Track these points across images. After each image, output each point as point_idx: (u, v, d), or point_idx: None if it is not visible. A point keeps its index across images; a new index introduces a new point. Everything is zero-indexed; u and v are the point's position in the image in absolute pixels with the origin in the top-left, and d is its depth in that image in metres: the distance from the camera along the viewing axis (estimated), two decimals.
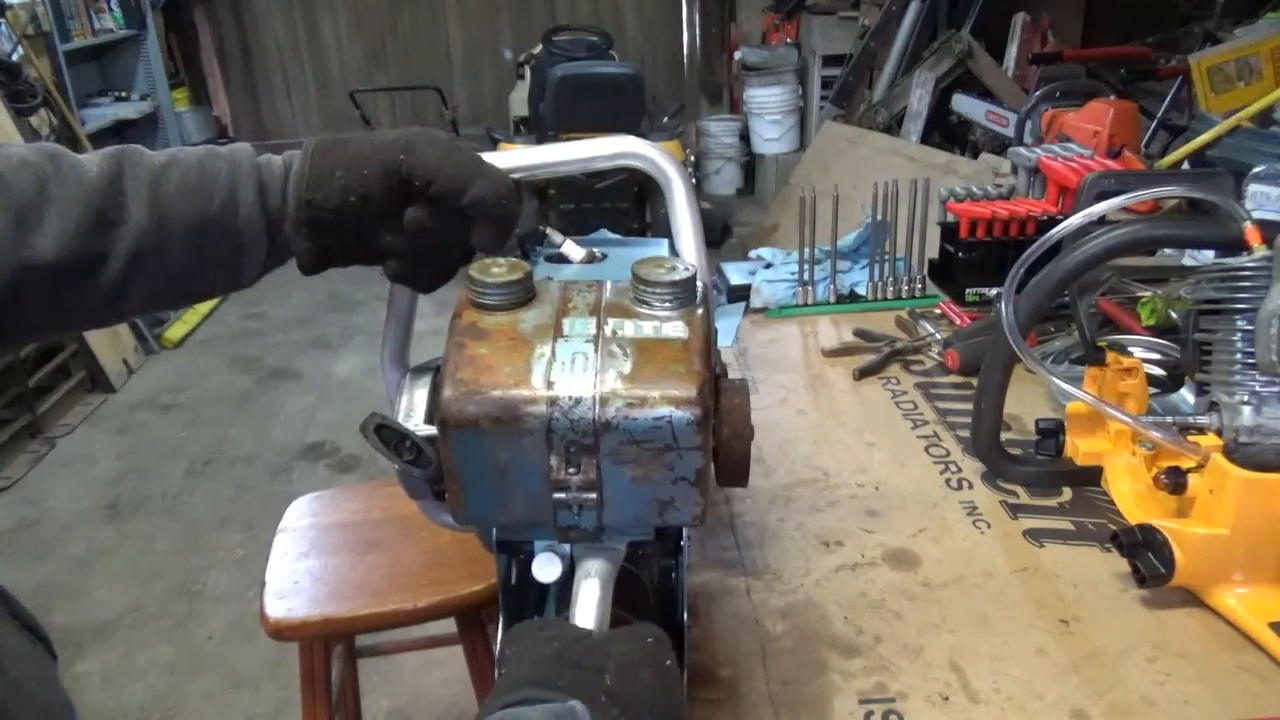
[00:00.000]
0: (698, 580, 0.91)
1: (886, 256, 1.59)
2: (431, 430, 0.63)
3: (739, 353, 1.44)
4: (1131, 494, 0.96)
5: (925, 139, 4.24)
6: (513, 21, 6.75)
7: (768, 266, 1.71)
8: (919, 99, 4.26)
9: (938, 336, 1.41)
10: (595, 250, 0.79)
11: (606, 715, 0.50)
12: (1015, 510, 1.01)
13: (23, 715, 0.61)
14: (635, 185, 4.73)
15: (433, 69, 6.66)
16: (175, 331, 4.44)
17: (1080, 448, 1.02)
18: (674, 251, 0.74)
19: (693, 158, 5.67)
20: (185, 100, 6.08)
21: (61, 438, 3.61)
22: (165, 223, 0.64)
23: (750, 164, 6.13)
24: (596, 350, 0.61)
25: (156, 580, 2.73)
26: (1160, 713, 0.74)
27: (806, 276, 1.57)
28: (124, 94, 5.26)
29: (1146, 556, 0.84)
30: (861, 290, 1.60)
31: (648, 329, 0.62)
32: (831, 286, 1.59)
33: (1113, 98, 2.41)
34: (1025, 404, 1.20)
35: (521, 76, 5.45)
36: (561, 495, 0.61)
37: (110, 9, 5.11)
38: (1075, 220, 0.92)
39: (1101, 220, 0.92)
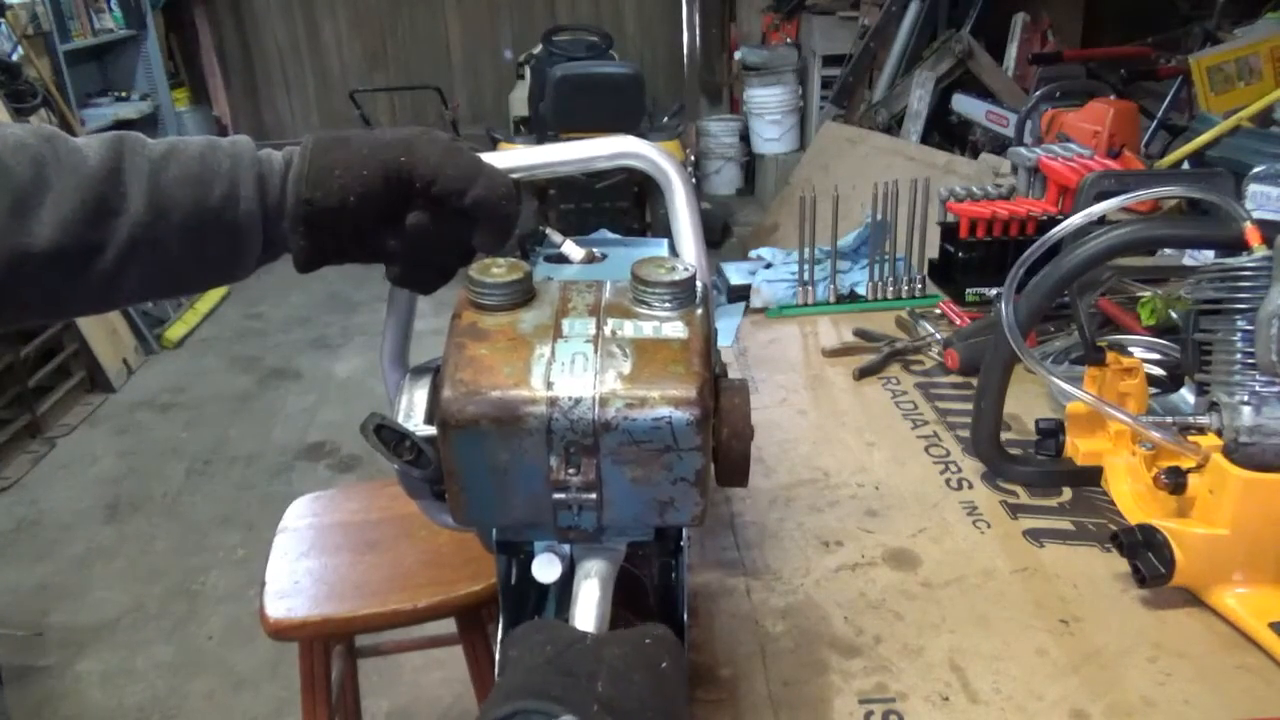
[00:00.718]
0: (698, 580, 0.91)
1: (886, 256, 1.59)
2: (431, 431, 0.63)
3: (739, 353, 1.44)
4: (1131, 494, 0.96)
5: (925, 139, 4.24)
6: (513, 21, 6.75)
7: (768, 266, 1.71)
8: (919, 99, 4.26)
9: (938, 336, 1.41)
10: (595, 250, 0.79)
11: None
12: (1015, 510, 1.01)
13: None
14: (635, 185, 4.73)
15: (433, 69, 6.66)
16: (175, 331, 4.44)
17: (1080, 448, 1.02)
18: (674, 251, 0.74)
19: (693, 158, 5.67)
20: (185, 100, 6.08)
21: (61, 438, 3.61)
22: (164, 213, 0.63)
23: (750, 164, 6.13)
24: (596, 351, 0.61)
25: (156, 580, 2.73)
26: (1160, 713, 0.74)
27: (806, 276, 1.57)
28: (124, 94, 5.26)
29: (1146, 556, 0.84)
30: (861, 290, 1.60)
31: (647, 329, 0.62)
32: (831, 286, 1.59)
33: (1113, 98, 2.41)
34: (1025, 404, 1.20)
35: (521, 76, 5.46)
36: (561, 496, 0.61)
37: (110, 9, 5.11)
38: (1075, 220, 0.91)
39: (1101, 220, 0.92)
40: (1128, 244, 0.92)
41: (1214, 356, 0.88)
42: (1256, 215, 0.86)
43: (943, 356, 1.36)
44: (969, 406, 1.10)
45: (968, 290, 1.52)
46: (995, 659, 0.80)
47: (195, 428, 3.65)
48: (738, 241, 5.04)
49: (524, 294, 0.65)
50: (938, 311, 1.51)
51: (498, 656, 0.69)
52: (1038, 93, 2.76)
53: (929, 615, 0.86)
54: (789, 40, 5.84)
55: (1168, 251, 1.53)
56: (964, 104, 4.04)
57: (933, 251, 1.63)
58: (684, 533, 0.68)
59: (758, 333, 1.51)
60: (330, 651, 1.53)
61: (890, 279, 1.59)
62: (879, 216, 1.57)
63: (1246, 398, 0.84)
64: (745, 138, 6.05)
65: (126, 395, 3.96)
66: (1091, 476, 1.02)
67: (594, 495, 0.61)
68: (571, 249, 0.77)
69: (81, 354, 3.90)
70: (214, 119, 6.38)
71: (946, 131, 4.38)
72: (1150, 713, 0.74)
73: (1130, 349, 1.20)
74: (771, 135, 5.79)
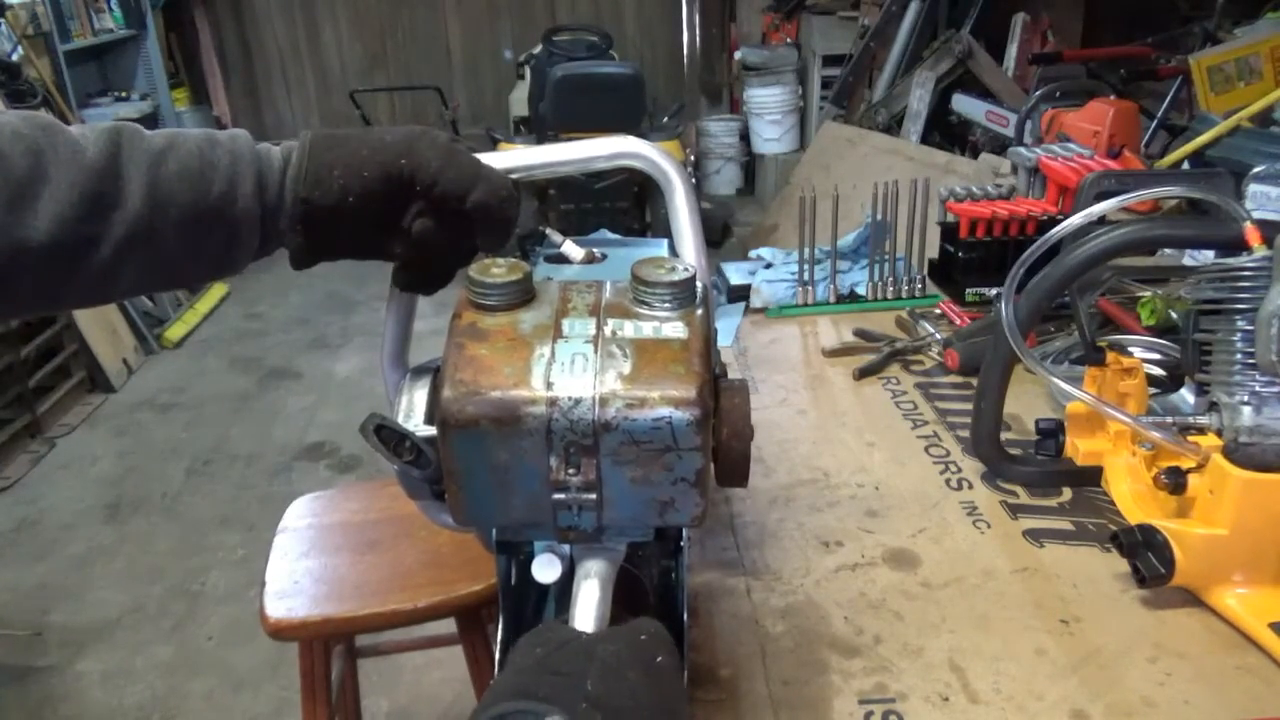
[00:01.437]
0: (698, 580, 0.91)
1: (886, 256, 1.59)
2: (431, 431, 0.63)
3: (739, 353, 1.44)
4: (1131, 494, 0.96)
5: (925, 139, 4.24)
6: (513, 21, 6.75)
7: (768, 266, 1.71)
8: (919, 99, 4.26)
9: (938, 336, 1.41)
10: (595, 250, 0.79)
11: None
12: (1015, 510, 1.01)
13: None
14: (635, 185, 4.72)
15: (433, 69, 6.66)
16: (175, 331, 4.44)
17: (1080, 448, 1.02)
18: (674, 252, 0.74)
19: (693, 158, 5.67)
20: (185, 100, 6.08)
21: (61, 438, 3.61)
22: (162, 208, 0.62)
23: (750, 164, 6.13)
24: (596, 351, 0.61)
25: (156, 580, 2.73)
26: (1160, 713, 0.74)
27: (806, 276, 1.57)
28: (124, 94, 5.26)
29: (1146, 557, 0.84)
30: (861, 290, 1.60)
31: (647, 329, 0.62)
32: (831, 286, 1.59)
33: (1113, 98, 2.41)
34: (1025, 404, 1.20)
35: (521, 76, 5.46)
36: (561, 496, 0.61)
37: (110, 9, 5.11)
38: (1075, 220, 0.91)
39: (1101, 220, 0.92)
40: (1128, 244, 0.92)
41: (1214, 356, 0.88)
42: (1256, 215, 0.86)
43: (943, 356, 1.36)
44: (969, 406, 1.10)
45: (968, 290, 1.52)
46: (995, 659, 0.80)
47: (195, 428, 3.65)
48: (738, 241, 5.04)
49: (524, 294, 0.65)
50: (938, 311, 1.51)
51: (498, 660, 0.69)
52: (1038, 93, 2.77)
53: (929, 615, 0.86)
54: (789, 40, 5.84)
55: (1168, 251, 1.53)
56: (964, 104, 4.04)
57: (933, 251, 1.63)
58: (684, 533, 0.68)
59: (758, 333, 1.51)
60: (330, 651, 1.53)
61: (890, 279, 1.59)
62: (879, 216, 1.57)
63: (1246, 398, 0.84)
64: (745, 138, 6.05)
65: (126, 395, 3.96)
66: (1091, 476, 1.02)
67: (594, 495, 0.61)
68: (571, 249, 0.76)
69: (81, 354, 3.90)
70: (214, 119, 6.37)
71: (946, 131, 4.38)
72: (1150, 713, 0.74)
73: (1130, 349, 1.20)
74: (771, 135, 5.79)
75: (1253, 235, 0.84)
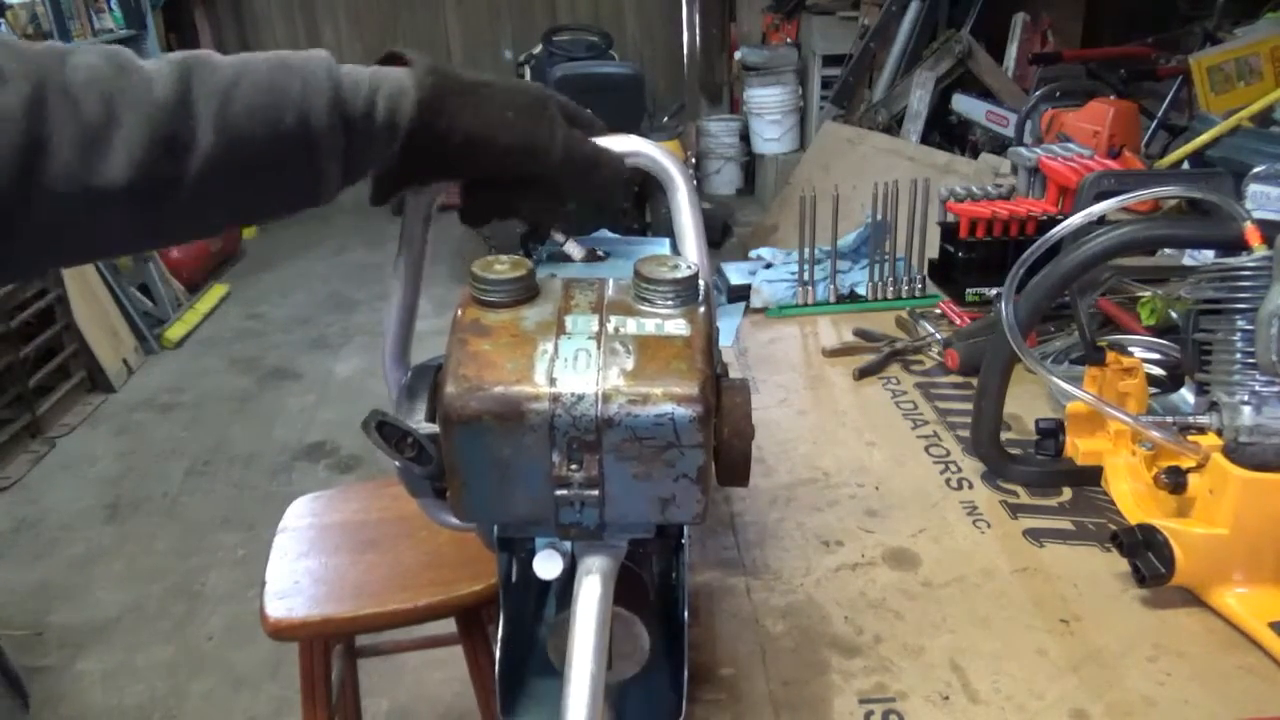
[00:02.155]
0: (698, 580, 0.91)
1: (886, 256, 1.59)
2: (433, 428, 0.63)
3: (739, 353, 1.44)
4: (1131, 494, 0.97)
5: (925, 139, 4.25)
6: (513, 21, 6.75)
7: (768, 266, 1.71)
8: (919, 99, 4.26)
9: (938, 336, 1.41)
10: (597, 249, 0.79)
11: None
12: (1015, 510, 1.01)
13: None
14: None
15: None
16: (175, 331, 4.44)
17: (1080, 448, 1.02)
18: (675, 250, 0.74)
19: (693, 158, 5.67)
20: None
21: (61, 438, 3.61)
22: (236, 145, 0.60)
23: (750, 164, 6.13)
24: (599, 347, 0.61)
25: (156, 580, 2.73)
26: (1160, 712, 0.74)
27: (806, 276, 1.57)
28: None
29: (1146, 556, 0.84)
30: (861, 290, 1.60)
31: (650, 326, 0.63)
32: (831, 286, 1.59)
33: (1113, 98, 2.41)
34: (1025, 404, 1.20)
35: (521, 76, 5.46)
36: (563, 492, 0.61)
37: (110, 9, 5.11)
38: (1075, 220, 0.92)
39: (1101, 220, 0.92)
40: (1128, 244, 0.92)
41: (1214, 356, 0.88)
42: (1256, 215, 0.86)
43: (943, 356, 1.36)
44: (969, 406, 1.10)
45: (968, 290, 1.52)
46: (995, 658, 0.80)
47: (195, 428, 3.65)
48: (738, 241, 5.04)
49: (527, 291, 0.65)
50: (938, 311, 1.51)
51: (498, 658, 0.69)
52: (1038, 93, 2.77)
53: (929, 615, 0.86)
54: (789, 40, 5.84)
55: (1168, 251, 1.53)
56: (964, 104, 4.05)
57: (933, 251, 1.63)
58: (685, 531, 0.68)
59: (758, 333, 1.51)
60: (330, 651, 1.53)
61: (890, 279, 1.59)
62: (879, 216, 1.57)
63: (1246, 398, 0.84)
64: (745, 138, 6.05)
65: (126, 395, 3.96)
66: (1091, 476, 1.02)
67: (596, 492, 0.61)
68: (573, 247, 0.77)
69: (81, 354, 3.90)
70: None
71: (946, 131, 4.38)
72: (1150, 712, 0.74)
73: (1130, 349, 1.20)
74: (771, 135, 5.79)
75: (1253, 235, 0.84)
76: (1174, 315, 1.28)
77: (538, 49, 5.17)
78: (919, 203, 1.55)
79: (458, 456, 0.61)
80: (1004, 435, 1.07)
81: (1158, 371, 1.18)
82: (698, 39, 6.72)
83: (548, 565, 0.65)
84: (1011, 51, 4.18)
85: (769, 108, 5.70)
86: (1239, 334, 0.85)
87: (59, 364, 3.77)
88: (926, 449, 1.14)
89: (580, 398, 0.59)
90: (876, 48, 4.84)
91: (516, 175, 0.66)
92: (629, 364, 0.60)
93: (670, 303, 0.64)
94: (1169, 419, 0.88)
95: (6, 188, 0.54)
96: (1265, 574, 0.83)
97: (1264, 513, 0.81)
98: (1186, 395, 1.09)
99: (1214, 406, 0.86)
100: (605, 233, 3.05)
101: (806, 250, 1.55)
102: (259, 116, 0.60)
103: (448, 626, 1.52)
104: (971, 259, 1.53)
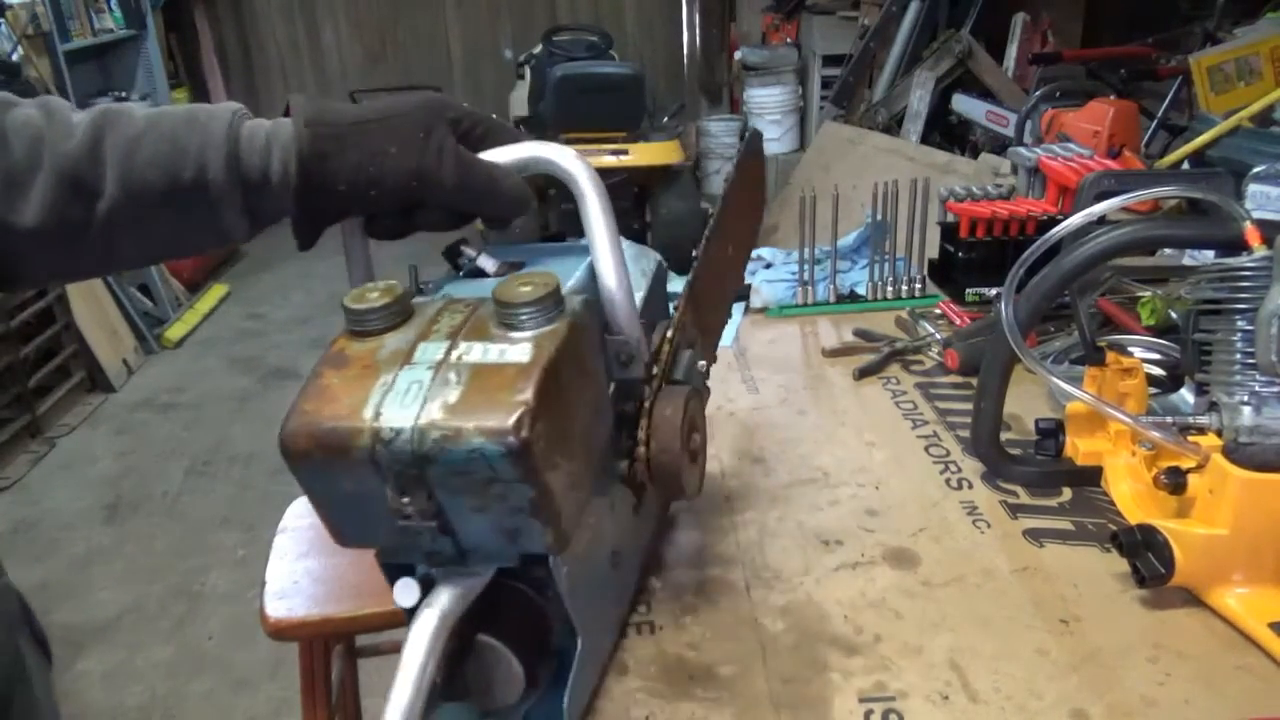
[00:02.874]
0: (698, 578, 0.91)
1: (886, 256, 1.59)
2: None
3: (739, 352, 1.44)
4: (1131, 494, 0.96)
5: (925, 139, 4.25)
6: (513, 21, 6.75)
7: (768, 266, 1.71)
8: (919, 99, 4.27)
9: (938, 336, 1.41)
10: (514, 260, 0.76)
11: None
12: (1015, 510, 1.01)
13: None
14: (636, 186, 4.73)
15: (432, 69, 6.66)
16: (175, 331, 4.45)
17: (1080, 448, 1.02)
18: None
19: (693, 158, 5.67)
20: (185, 100, 6.08)
21: (61, 438, 3.61)
22: (137, 195, 0.63)
23: None
24: (434, 378, 0.59)
25: (156, 580, 2.73)
26: (1160, 712, 0.74)
27: (806, 276, 1.57)
28: (124, 94, 5.26)
29: (1146, 556, 0.84)
30: (861, 290, 1.60)
31: (493, 353, 0.60)
32: (831, 286, 1.59)
33: (1113, 98, 2.41)
34: (1025, 404, 1.20)
35: (521, 76, 5.46)
36: (405, 524, 0.60)
37: (110, 9, 5.11)
38: (1075, 220, 0.92)
39: (1101, 220, 0.92)
40: (1128, 244, 0.92)
41: (1214, 356, 0.88)
42: (1256, 215, 0.86)
43: (943, 356, 1.36)
44: (969, 406, 1.10)
45: (968, 290, 1.52)
46: (995, 658, 0.80)
47: (195, 428, 3.65)
48: None
49: (396, 316, 0.64)
50: (938, 311, 1.51)
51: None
52: (1038, 93, 2.77)
53: (929, 614, 0.86)
54: (789, 40, 5.84)
55: (1168, 251, 1.53)
56: (964, 104, 4.04)
57: (933, 251, 1.63)
58: (551, 560, 0.65)
59: (758, 333, 1.51)
60: (330, 651, 1.53)
61: (890, 279, 1.59)
62: (879, 216, 1.57)
63: (1246, 398, 0.84)
64: (745, 138, 6.04)
65: (126, 395, 3.96)
66: (1091, 476, 1.02)
67: (435, 524, 0.60)
68: (487, 260, 0.74)
69: (81, 354, 3.90)
70: None
71: (946, 131, 4.38)
72: (1150, 712, 0.74)
73: (1130, 349, 1.20)
74: (771, 135, 5.79)
75: (1253, 235, 0.84)
76: (1174, 315, 1.28)
77: (538, 49, 5.17)
78: (919, 203, 1.55)
79: (308, 489, 0.61)
80: (1004, 435, 1.07)
81: (1158, 371, 1.18)
82: (698, 39, 6.73)
83: (404, 594, 0.64)
84: (1011, 51, 4.18)
85: (769, 108, 5.70)
86: (1239, 334, 0.85)
87: (59, 364, 3.77)
88: (926, 449, 1.14)
89: (398, 433, 0.57)
90: (876, 48, 4.84)
91: (413, 202, 0.66)
92: (454, 396, 0.58)
93: (529, 324, 0.61)
94: (1169, 419, 0.88)
95: None
96: (1265, 574, 0.83)
97: (1264, 513, 0.81)
98: (1186, 395, 1.10)
99: (1214, 406, 0.86)
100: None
101: (806, 250, 1.55)
102: (160, 168, 0.63)
103: None
104: (971, 259, 1.53)
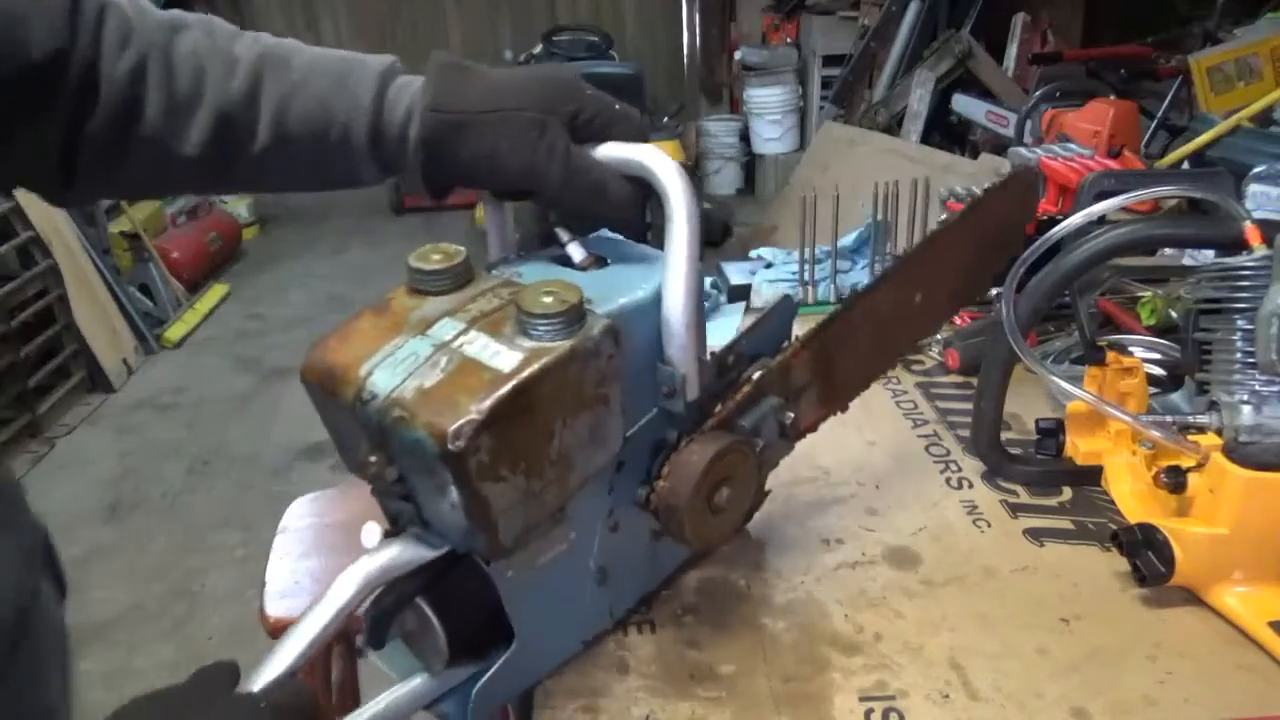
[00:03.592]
0: (698, 577, 0.91)
1: (887, 256, 1.59)
2: None
3: None
4: (1131, 493, 0.97)
5: (925, 139, 4.25)
6: (513, 21, 6.75)
7: (768, 266, 1.71)
8: (919, 99, 4.27)
9: (938, 336, 1.41)
10: (603, 255, 0.77)
11: None
12: (1015, 509, 1.01)
13: (62, 662, 0.71)
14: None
15: None
16: (175, 331, 4.45)
17: (1080, 447, 1.02)
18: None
19: (693, 159, 5.67)
20: None
21: (61, 438, 3.61)
22: (287, 143, 0.69)
23: (750, 164, 6.13)
24: (429, 357, 0.61)
25: (156, 580, 2.73)
26: (1160, 711, 0.74)
27: (807, 276, 1.58)
28: None
29: (1146, 556, 0.84)
30: None
31: (488, 352, 0.61)
32: (832, 286, 1.59)
33: (1113, 98, 2.41)
34: (1025, 404, 1.20)
35: None
36: (372, 481, 0.64)
37: None
38: (1075, 220, 0.92)
39: (1101, 220, 0.92)
40: (1128, 244, 0.92)
41: (1214, 356, 0.88)
42: (1256, 215, 0.86)
43: (943, 356, 1.36)
44: (969, 406, 1.10)
45: None
46: (995, 657, 0.80)
47: (195, 428, 3.65)
48: (738, 241, 5.04)
49: (448, 282, 0.67)
50: None
51: None
52: (1038, 93, 2.77)
53: (929, 613, 0.86)
54: (789, 40, 5.84)
55: (1168, 251, 1.53)
56: (964, 104, 4.05)
57: None
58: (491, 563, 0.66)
59: None
60: (330, 651, 1.53)
61: None
62: (879, 216, 1.57)
63: (1246, 397, 0.84)
64: (745, 138, 6.05)
65: (126, 395, 3.96)
66: (1091, 476, 1.02)
67: (398, 487, 0.63)
68: (576, 250, 0.75)
69: (81, 354, 3.90)
70: None
71: (946, 131, 4.39)
72: (1150, 711, 0.74)
73: (1130, 349, 1.20)
74: (771, 135, 5.79)
75: (1253, 235, 0.84)
76: (1174, 315, 1.28)
77: (538, 49, 5.16)
78: (919, 203, 1.55)
79: (318, 410, 0.67)
80: (1004, 435, 1.07)
81: (1158, 371, 1.18)
82: (698, 39, 6.73)
83: (368, 535, 0.67)
84: (1011, 51, 4.18)
85: (769, 108, 5.71)
86: (1239, 334, 0.85)
87: (59, 364, 3.77)
88: (926, 449, 1.14)
89: (374, 397, 0.60)
90: (876, 48, 4.84)
91: (525, 193, 0.71)
92: (431, 381, 0.60)
93: (534, 335, 0.62)
94: (1169, 418, 0.88)
95: (109, 134, 0.66)
96: (1265, 573, 0.83)
97: (1264, 512, 0.81)
98: (1186, 395, 1.10)
99: (1214, 406, 0.86)
100: (605, 233, 3.06)
101: (807, 250, 1.55)
102: (309, 126, 0.69)
103: None
104: None
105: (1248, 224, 0.85)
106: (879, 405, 1.25)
